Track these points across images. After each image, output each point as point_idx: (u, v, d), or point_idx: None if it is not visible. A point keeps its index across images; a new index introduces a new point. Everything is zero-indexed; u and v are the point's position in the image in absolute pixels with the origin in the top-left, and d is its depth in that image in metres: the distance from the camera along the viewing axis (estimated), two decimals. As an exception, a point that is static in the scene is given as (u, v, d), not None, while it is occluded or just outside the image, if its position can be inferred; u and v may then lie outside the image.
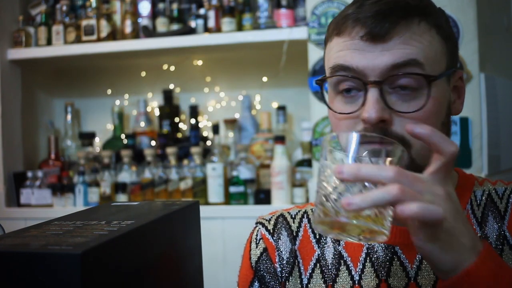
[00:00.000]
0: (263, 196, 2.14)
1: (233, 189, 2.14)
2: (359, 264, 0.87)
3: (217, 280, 2.08)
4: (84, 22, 2.34)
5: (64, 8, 2.40)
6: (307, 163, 2.16)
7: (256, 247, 0.95)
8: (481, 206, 0.88)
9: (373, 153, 0.73)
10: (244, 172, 2.17)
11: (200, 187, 2.20)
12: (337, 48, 0.82)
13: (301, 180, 2.13)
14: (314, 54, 1.99)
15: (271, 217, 0.97)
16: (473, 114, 1.77)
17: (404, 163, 0.68)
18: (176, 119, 2.51)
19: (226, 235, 2.10)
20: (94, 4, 2.35)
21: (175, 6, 2.32)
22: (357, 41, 0.79)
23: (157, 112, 2.55)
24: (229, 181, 2.17)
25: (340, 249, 0.90)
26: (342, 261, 0.89)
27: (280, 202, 2.08)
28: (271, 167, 2.12)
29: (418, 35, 0.78)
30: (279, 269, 0.92)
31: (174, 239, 0.78)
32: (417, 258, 0.85)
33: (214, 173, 2.16)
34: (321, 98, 1.97)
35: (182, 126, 2.52)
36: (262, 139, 2.29)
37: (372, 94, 0.77)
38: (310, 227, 0.93)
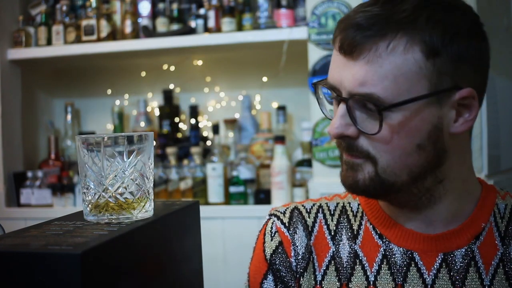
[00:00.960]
0: (263, 196, 2.14)
1: (233, 189, 2.14)
2: (374, 264, 0.87)
3: (217, 280, 2.08)
4: (84, 22, 2.34)
5: (64, 8, 2.40)
6: (307, 163, 2.16)
7: (271, 239, 0.94)
8: (505, 220, 0.86)
9: (345, 163, 0.83)
10: (244, 172, 2.17)
11: (200, 187, 2.20)
12: (331, 58, 0.83)
13: (301, 180, 2.13)
14: (314, 54, 1.99)
15: (286, 210, 0.96)
16: (473, 114, 1.77)
17: None
18: (176, 119, 2.51)
19: (226, 235, 2.10)
20: (94, 4, 2.35)
21: (175, 6, 2.32)
22: (337, 54, 0.80)
23: (157, 112, 2.55)
24: (229, 181, 2.17)
25: (356, 248, 0.89)
26: (357, 260, 0.88)
27: (280, 202, 2.08)
28: (271, 167, 2.12)
29: (385, 57, 0.74)
30: (294, 264, 0.91)
31: (174, 239, 0.78)
32: (435, 265, 0.84)
33: (214, 173, 2.16)
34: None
35: (182, 126, 2.52)
36: (262, 139, 2.29)
37: (340, 109, 0.79)
38: (326, 222, 0.92)
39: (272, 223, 0.95)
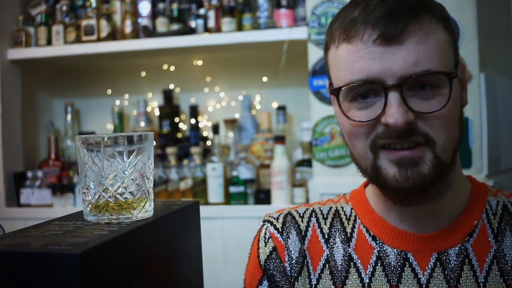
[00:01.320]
0: (263, 196, 2.14)
1: (233, 189, 2.14)
2: (369, 266, 0.87)
3: (217, 280, 2.08)
4: (84, 22, 2.34)
5: (64, 8, 2.40)
6: (307, 163, 2.16)
7: (265, 245, 0.94)
8: (497, 216, 0.87)
9: (399, 163, 0.79)
10: (244, 172, 2.17)
11: (200, 187, 2.20)
12: (350, 59, 0.79)
13: (301, 180, 2.13)
14: (314, 54, 1.99)
15: (279, 215, 0.96)
16: (473, 114, 1.77)
17: None
18: (176, 119, 2.51)
19: (226, 235, 2.10)
20: (94, 4, 2.35)
21: (175, 6, 2.32)
22: (370, 47, 0.77)
23: (157, 112, 2.55)
24: (229, 181, 2.17)
25: (350, 251, 0.89)
26: (352, 263, 0.88)
27: (280, 202, 2.08)
28: (271, 167, 2.12)
29: (430, 34, 0.78)
30: (288, 268, 0.92)
31: (174, 239, 0.78)
32: (429, 265, 0.84)
33: (214, 173, 2.16)
34: (325, 101, 1.97)
35: (182, 126, 2.52)
36: (262, 139, 2.29)
37: (394, 98, 0.77)
38: (319, 226, 0.93)
39: (266, 229, 0.96)
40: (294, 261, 0.91)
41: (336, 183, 1.93)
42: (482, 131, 1.79)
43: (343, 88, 0.81)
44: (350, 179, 1.90)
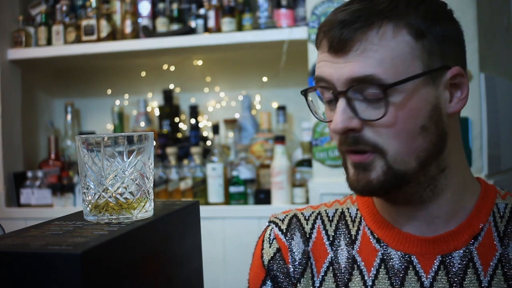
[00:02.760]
0: (263, 196, 2.14)
1: (233, 189, 2.14)
2: (372, 269, 0.86)
3: (217, 280, 2.08)
4: (84, 22, 2.34)
5: (64, 8, 2.40)
6: (307, 163, 2.16)
7: (269, 246, 0.94)
8: (504, 219, 0.86)
9: (355, 166, 0.81)
10: (244, 172, 2.17)
11: (200, 187, 2.20)
12: (317, 63, 0.84)
13: (301, 180, 2.13)
14: (314, 54, 1.99)
15: (285, 217, 0.96)
16: (473, 114, 1.77)
17: None
18: (176, 119, 2.51)
19: (226, 235, 2.10)
20: (94, 4, 2.35)
21: (175, 6, 2.32)
22: (326, 55, 0.81)
23: (157, 112, 2.55)
24: (229, 181, 2.17)
25: (353, 253, 0.89)
26: (355, 265, 0.88)
27: (280, 202, 2.08)
28: (271, 167, 2.12)
29: (376, 44, 0.77)
30: (291, 270, 0.92)
31: (174, 239, 0.78)
32: (433, 268, 0.84)
33: (214, 173, 2.16)
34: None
35: (182, 126, 2.52)
36: (262, 139, 2.29)
37: (340, 104, 0.79)
38: (324, 228, 0.93)
39: (271, 230, 0.96)
40: (297, 263, 0.91)
41: (336, 183, 1.93)
42: (482, 131, 1.79)
43: (309, 90, 0.86)
44: (350, 179, 1.89)
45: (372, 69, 0.76)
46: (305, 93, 0.87)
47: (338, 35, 0.78)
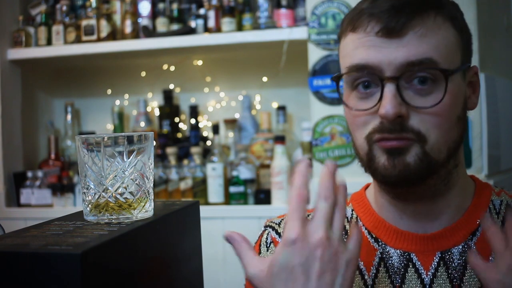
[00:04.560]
0: (263, 196, 2.14)
1: (233, 189, 2.14)
2: (372, 268, 0.86)
3: (217, 280, 2.08)
4: (84, 22, 2.34)
5: (64, 8, 2.40)
6: (307, 163, 2.16)
7: (267, 250, 0.94)
8: (500, 215, 0.87)
9: (389, 152, 0.79)
10: (244, 172, 2.17)
11: (200, 187, 2.20)
12: (353, 45, 0.81)
13: (301, 180, 2.13)
14: (314, 54, 1.99)
15: (281, 221, 0.96)
16: (473, 114, 1.77)
17: None
18: (176, 119, 2.51)
19: (226, 235, 2.10)
20: (94, 4, 2.35)
21: (175, 6, 2.32)
22: (372, 37, 0.79)
23: (157, 112, 2.55)
24: (229, 181, 2.17)
25: None
26: None
27: (280, 202, 2.08)
28: (271, 167, 2.12)
29: (434, 30, 0.78)
30: None
31: (174, 239, 0.78)
32: (432, 265, 0.84)
33: (214, 173, 2.16)
34: (325, 101, 1.97)
35: (182, 126, 2.52)
36: (262, 139, 2.29)
37: (389, 89, 0.77)
38: None
39: (267, 234, 0.96)
40: None
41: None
42: (482, 131, 1.79)
43: (343, 75, 0.83)
44: (350, 179, 1.89)
45: (430, 53, 0.77)
46: (337, 79, 0.84)
47: (395, 17, 0.77)
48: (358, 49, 0.80)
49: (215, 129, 2.31)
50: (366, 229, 0.89)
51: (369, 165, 0.82)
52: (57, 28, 2.36)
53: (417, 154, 0.78)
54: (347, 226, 0.91)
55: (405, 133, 0.78)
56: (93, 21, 2.32)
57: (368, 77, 0.80)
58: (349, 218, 0.92)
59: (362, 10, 0.81)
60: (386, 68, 0.77)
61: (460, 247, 0.84)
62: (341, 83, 0.85)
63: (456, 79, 0.80)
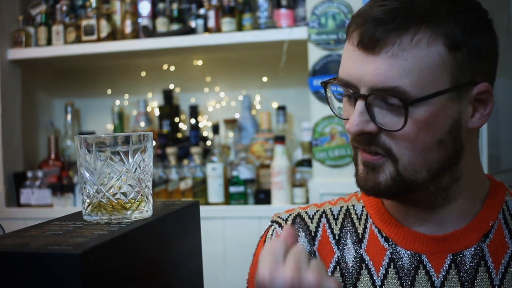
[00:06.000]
0: (263, 196, 2.14)
1: (233, 189, 2.14)
2: (381, 268, 0.85)
3: (217, 280, 2.08)
4: (84, 22, 2.34)
5: (64, 8, 2.40)
6: (307, 163, 2.16)
7: None
8: None
9: (364, 164, 0.80)
10: (244, 172, 2.17)
11: (200, 187, 2.20)
12: (344, 55, 0.81)
13: (301, 180, 2.13)
14: (314, 54, 1.99)
15: (288, 216, 0.94)
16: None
17: None
18: (176, 119, 2.51)
19: (226, 235, 2.10)
20: (94, 4, 2.35)
21: (175, 6, 2.32)
22: (355, 48, 0.77)
23: (157, 112, 2.55)
24: (229, 181, 2.17)
25: (361, 252, 0.87)
26: (363, 265, 0.86)
27: (280, 202, 2.08)
28: (271, 167, 2.12)
29: (409, 50, 0.73)
30: None
31: (174, 239, 0.78)
32: (443, 267, 0.82)
33: (214, 173, 2.16)
34: (325, 100, 1.97)
35: (182, 126, 2.52)
36: (262, 139, 2.29)
37: (358, 106, 0.77)
38: (329, 227, 0.91)
39: (273, 230, 0.94)
40: None
41: (336, 183, 1.93)
42: (482, 131, 1.79)
43: (330, 82, 0.83)
44: (350, 179, 1.89)
45: (398, 80, 0.73)
46: (325, 85, 0.84)
47: (370, 32, 0.74)
48: (344, 60, 0.80)
49: (215, 129, 2.31)
50: (376, 227, 0.87)
51: (354, 169, 0.84)
52: (57, 28, 2.36)
53: (390, 173, 0.78)
54: (357, 224, 0.90)
55: (374, 147, 0.78)
56: (93, 21, 2.32)
57: (348, 91, 0.80)
58: (359, 215, 0.90)
59: (354, 17, 0.79)
60: (360, 85, 0.77)
61: (473, 249, 0.82)
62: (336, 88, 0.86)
63: (435, 103, 0.75)
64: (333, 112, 0.85)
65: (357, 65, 0.77)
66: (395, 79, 0.74)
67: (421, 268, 0.83)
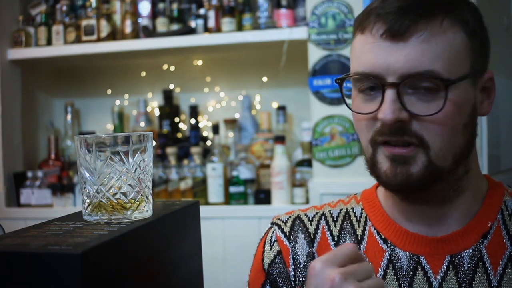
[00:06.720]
0: (263, 196, 2.14)
1: (233, 189, 2.14)
2: (380, 270, 0.85)
3: (217, 280, 2.08)
4: (84, 22, 2.34)
5: (64, 8, 2.40)
6: (307, 163, 2.16)
7: (270, 249, 0.93)
8: None
9: (393, 159, 0.79)
10: (244, 172, 2.17)
11: (200, 187, 2.20)
12: (360, 48, 0.81)
13: (301, 180, 2.13)
14: (314, 54, 1.99)
15: (288, 219, 0.95)
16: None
17: None
18: (176, 119, 2.51)
19: (226, 235, 2.10)
20: (94, 4, 2.35)
21: (175, 6, 2.32)
22: (378, 39, 0.78)
23: (157, 112, 2.55)
24: (229, 181, 2.17)
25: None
26: None
27: (280, 202, 2.08)
28: (271, 167, 2.12)
29: (439, 35, 0.76)
30: (292, 273, 0.90)
31: (174, 239, 0.78)
32: (442, 269, 0.83)
33: (214, 173, 2.16)
34: (325, 100, 1.97)
35: (182, 126, 2.52)
36: (262, 139, 2.29)
37: (389, 95, 0.77)
38: (329, 229, 0.91)
39: (273, 232, 0.95)
40: (302, 266, 0.90)
41: (336, 183, 1.93)
42: (482, 131, 1.79)
43: (347, 77, 0.83)
44: (350, 179, 1.90)
45: (432, 64, 0.75)
46: (341, 81, 0.84)
47: (399, 21, 0.76)
48: (364, 54, 0.80)
49: (215, 129, 2.31)
50: (375, 229, 0.88)
51: (373, 170, 0.82)
52: (57, 28, 2.36)
53: (422, 163, 0.78)
54: (356, 226, 0.90)
55: (407, 136, 0.77)
56: (93, 21, 2.32)
57: (371, 83, 0.79)
58: (358, 217, 0.91)
59: (371, 10, 0.80)
60: (389, 75, 0.77)
61: (471, 250, 0.83)
62: (347, 84, 0.85)
63: (462, 87, 0.78)
64: (350, 108, 0.83)
65: (383, 54, 0.77)
66: (429, 63, 0.76)
67: (419, 269, 0.83)
